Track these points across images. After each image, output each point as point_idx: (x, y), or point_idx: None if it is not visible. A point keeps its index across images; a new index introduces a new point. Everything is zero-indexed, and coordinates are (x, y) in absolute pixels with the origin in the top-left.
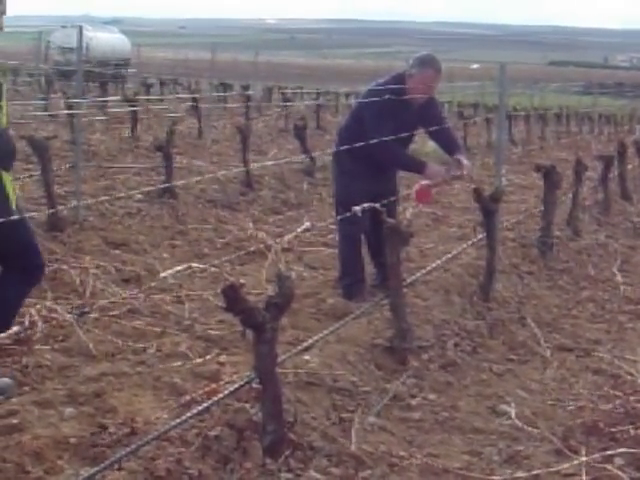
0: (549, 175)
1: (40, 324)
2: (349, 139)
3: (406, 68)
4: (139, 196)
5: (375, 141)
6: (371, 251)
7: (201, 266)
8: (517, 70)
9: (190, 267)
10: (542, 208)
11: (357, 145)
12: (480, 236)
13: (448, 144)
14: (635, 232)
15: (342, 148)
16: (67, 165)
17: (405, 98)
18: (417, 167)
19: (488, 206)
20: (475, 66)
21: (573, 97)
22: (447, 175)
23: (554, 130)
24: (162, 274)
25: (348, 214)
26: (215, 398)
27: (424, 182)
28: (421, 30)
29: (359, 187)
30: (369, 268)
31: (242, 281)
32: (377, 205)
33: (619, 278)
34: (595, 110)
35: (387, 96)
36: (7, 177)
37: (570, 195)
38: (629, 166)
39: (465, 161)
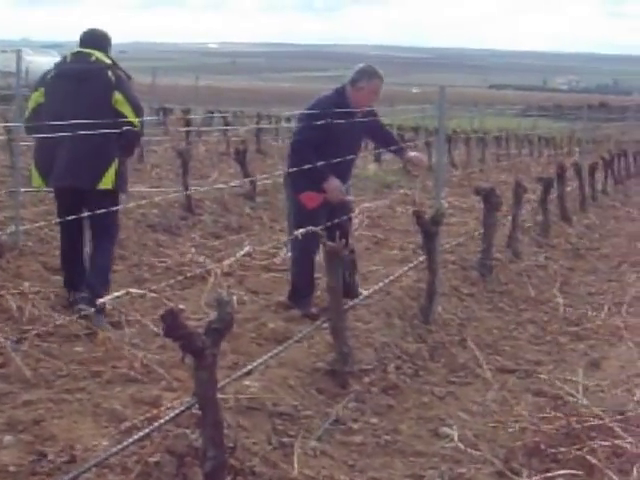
0: (489, 197)
1: None
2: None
3: (346, 82)
4: None
5: (298, 141)
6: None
7: (139, 291)
8: (457, 93)
9: (128, 292)
10: (482, 230)
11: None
12: (421, 259)
13: (394, 147)
14: (575, 253)
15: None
16: (6, 190)
17: (350, 109)
18: (320, 177)
19: (429, 229)
20: (416, 90)
21: (513, 120)
22: (341, 195)
23: (494, 152)
24: (100, 300)
25: (298, 232)
26: (155, 424)
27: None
28: (360, 54)
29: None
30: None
31: (181, 306)
32: (319, 229)
33: (559, 299)
34: (535, 132)
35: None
36: None
37: (510, 217)
38: (568, 188)
39: (417, 157)
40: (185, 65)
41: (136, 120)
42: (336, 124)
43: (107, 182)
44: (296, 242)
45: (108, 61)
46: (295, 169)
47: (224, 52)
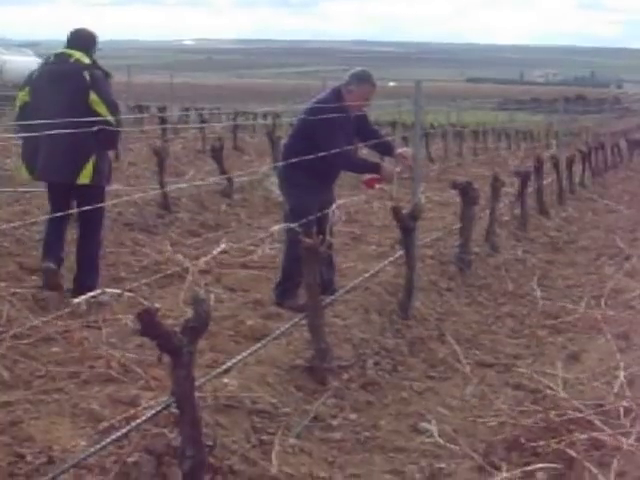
0: (466, 192)
1: None
2: (297, 156)
3: (342, 83)
4: None
5: (335, 151)
6: None
7: (116, 290)
8: (434, 87)
9: (104, 292)
10: (460, 225)
11: (307, 159)
12: (399, 254)
13: (383, 146)
14: (553, 246)
15: (291, 162)
16: None
17: (346, 111)
18: (374, 168)
19: (406, 224)
20: (392, 84)
21: (490, 113)
22: (397, 174)
23: (471, 146)
24: (75, 300)
25: (294, 226)
26: (133, 424)
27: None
28: (338, 49)
29: (311, 197)
30: None
31: (157, 305)
32: (295, 225)
33: (538, 293)
34: (512, 126)
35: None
36: None
37: (488, 211)
38: (546, 181)
39: (406, 151)
40: (161, 62)
41: (112, 118)
42: (339, 125)
43: (85, 177)
44: (290, 234)
45: (87, 61)
46: (292, 161)
47: (200, 49)
